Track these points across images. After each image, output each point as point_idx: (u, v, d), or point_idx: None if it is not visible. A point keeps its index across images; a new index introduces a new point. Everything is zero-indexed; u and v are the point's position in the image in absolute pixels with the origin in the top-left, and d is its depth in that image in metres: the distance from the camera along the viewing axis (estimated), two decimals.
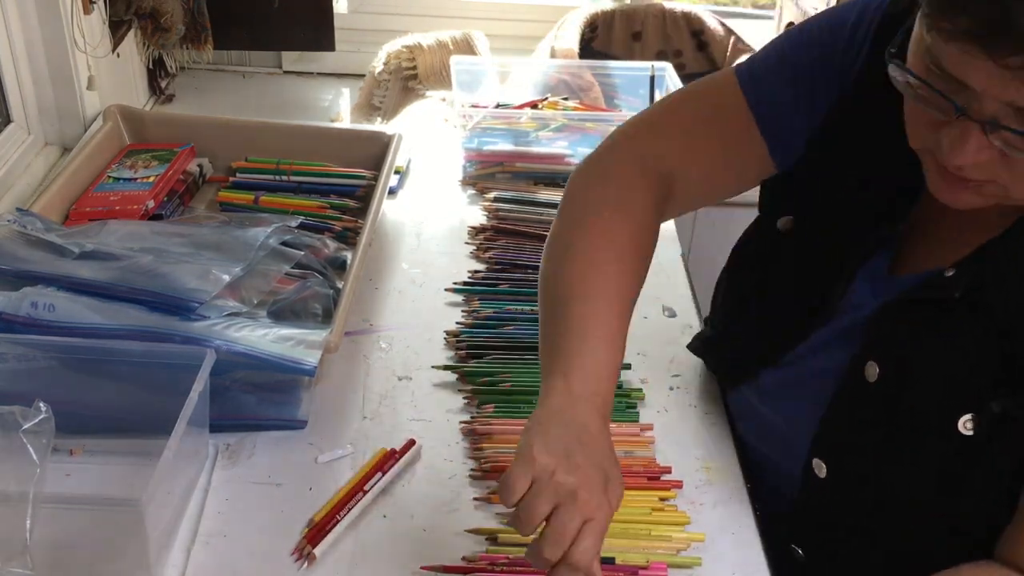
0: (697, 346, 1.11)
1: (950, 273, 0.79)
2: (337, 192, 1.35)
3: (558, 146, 1.51)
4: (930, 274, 0.82)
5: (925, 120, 0.73)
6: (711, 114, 0.95)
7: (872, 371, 0.84)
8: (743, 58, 0.96)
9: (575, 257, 0.89)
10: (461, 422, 1.03)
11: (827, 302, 0.88)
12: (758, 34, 2.06)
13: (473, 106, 1.51)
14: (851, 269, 0.87)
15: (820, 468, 0.88)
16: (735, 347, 1.01)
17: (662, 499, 0.95)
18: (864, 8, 0.87)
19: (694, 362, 1.14)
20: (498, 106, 1.53)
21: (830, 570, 0.91)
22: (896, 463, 0.83)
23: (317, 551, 0.86)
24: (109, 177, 1.32)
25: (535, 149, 1.50)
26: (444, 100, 1.75)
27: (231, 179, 1.38)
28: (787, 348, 0.92)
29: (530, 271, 1.26)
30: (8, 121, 1.43)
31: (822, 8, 1.79)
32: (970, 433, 0.78)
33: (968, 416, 0.78)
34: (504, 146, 1.50)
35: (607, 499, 0.74)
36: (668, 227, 1.40)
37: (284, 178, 1.37)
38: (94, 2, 1.47)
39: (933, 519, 0.83)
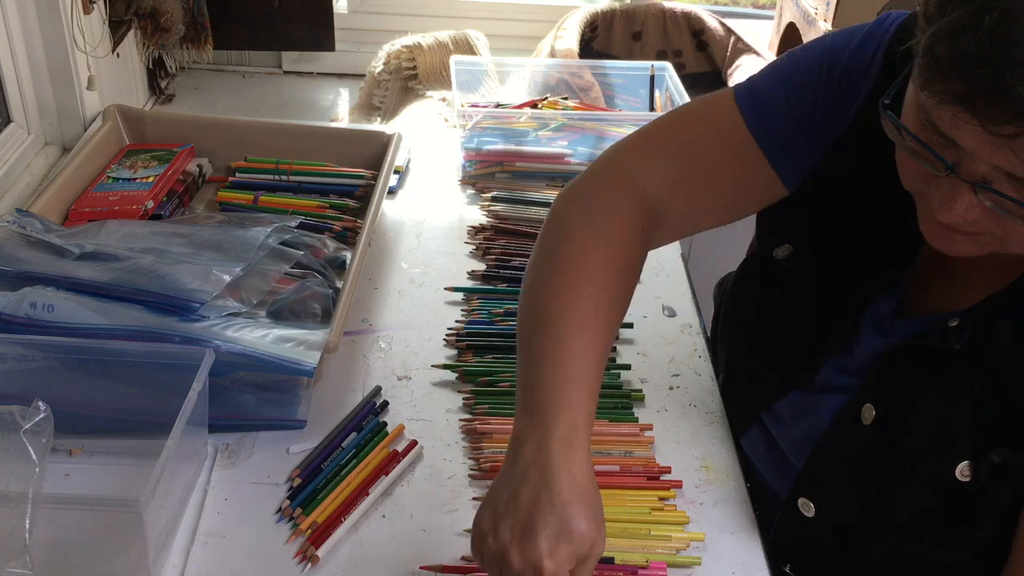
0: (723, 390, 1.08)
1: (954, 323, 0.78)
2: (337, 192, 1.35)
3: (558, 146, 1.51)
4: (933, 320, 0.80)
5: (917, 171, 0.71)
6: (708, 139, 0.90)
7: (868, 414, 0.82)
8: (740, 80, 0.93)
9: (546, 284, 0.85)
10: (461, 420, 1.03)
11: (832, 340, 0.87)
12: (758, 34, 2.06)
13: (473, 106, 1.51)
14: (857, 309, 0.85)
15: (807, 507, 0.87)
16: (750, 382, 0.99)
17: (662, 499, 0.95)
18: (867, 37, 0.83)
19: (694, 362, 1.14)
20: (498, 106, 1.53)
21: None
22: (888, 509, 0.82)
23: (319, 552, 0.86)
24: (108, 177, 1.32)
25: (535, 149, 1.50)
26: (444, 100, 1.74)
27: (230, 179, 1.38)
28: (797, 382, 0.90)
29: None
30: (8, 121, 1.43)
31: (821, 9, 1.79)
32: (967, 480, 0.77)
33: (965, 463, 0.77)
34: (504, 146, 1.50)
35: (537, 551, 0.70)
36: None
37: (284, 178, 1.37)
38: (94, 2, 1.47)
39: (923, 568, 0.83)
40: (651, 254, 1.28)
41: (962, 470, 0.77)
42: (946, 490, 0.78)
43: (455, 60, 1.64)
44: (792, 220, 0.91)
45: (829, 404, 0.87)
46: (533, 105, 1.56)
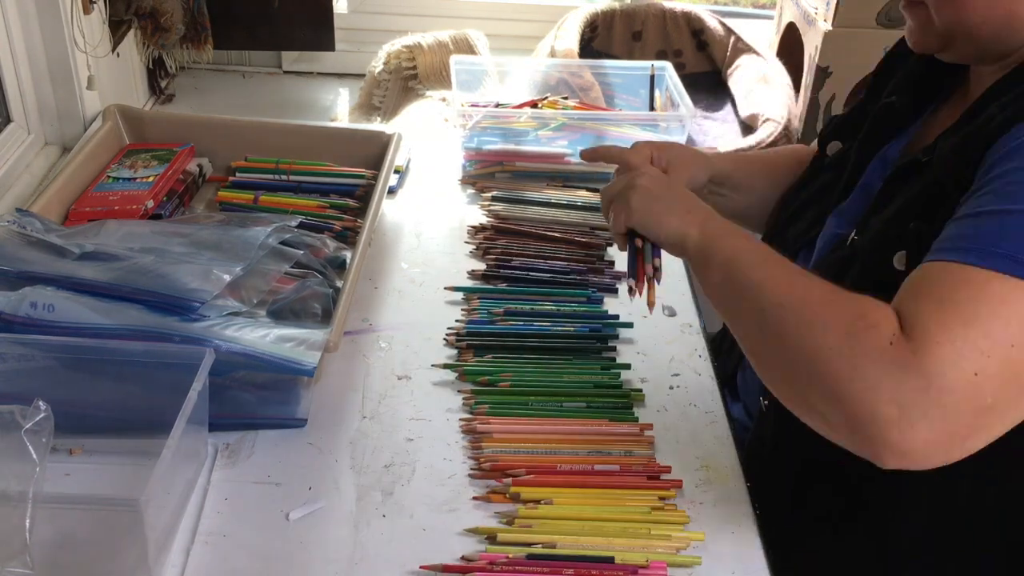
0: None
1: (928, 144, 0.91)
2: (337, 192, 1.35)
3: (558, 145, 1.51)
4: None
5: None
6: None
7: (850, 238, 0.96)
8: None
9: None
10: (461, 419, 1.03)
11: (842, 185, 1.03)
12: (758, 34, 2.06)
13: (473, 106, 1.51)
14: (868, 154, 1.01)
15: (763, 402, 0.99)
16: None
17: (662, 498, 0.95)
18: None
19: (694, 362, 1.14)
20: (498, 106, 1.53)
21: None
22: None
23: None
24: (109, 177, 1.32)
25: (535, 149, 1.50)
26: (444, 100, 1.75)
27: (230, 179, 1.38)
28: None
29: (529, 271, 1.27)
30: (8, 121, 1.43)
31: (821, 9, 1.78)
32: (903, 268, 0.84)
33: (903, 252, 0.85)
34: (504, 145, 1.50)
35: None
36: None
37: (283, 177, 1.37)
38: (94, 2, 1.47)
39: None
40: None
41: (899, 259, 0.85)
42: (887, 286, 0.82)
43: (455, 60, 1.64)
44: (846, 124, 1.10)
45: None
46: (533, 105, 1.56)
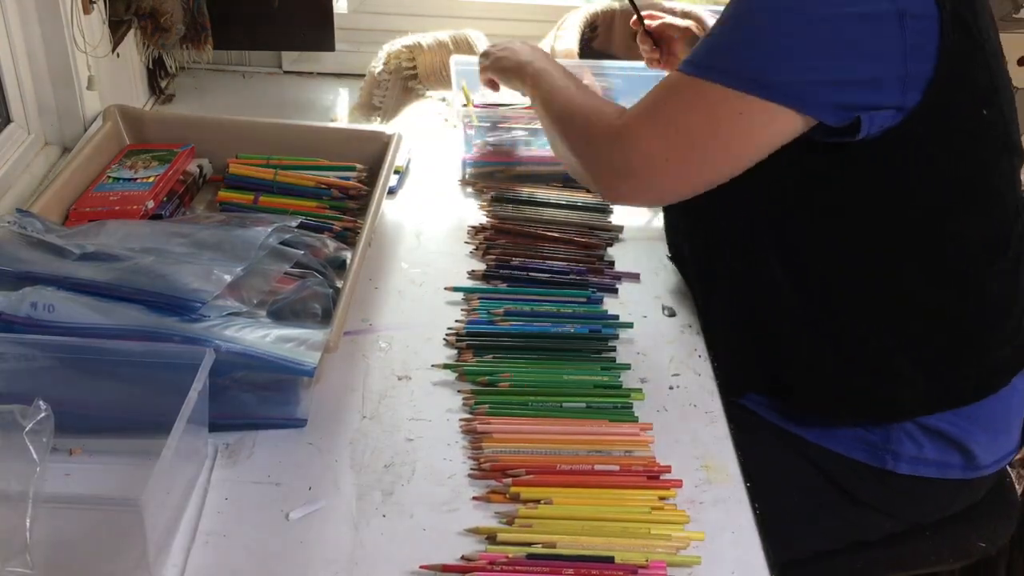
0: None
1: None
2: (334, 187, 1.35)
3: None
4: None
5: None
6: None
7: None
8: None
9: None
10: (461, 419, 1.03)
11: None
12: None
13: (473, 106, 1.51)
14: None
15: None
16: None
17: (661, 498, 0.95)
18: None
19: (694, 362, 1.14)
20: (497, 106, 1.53)
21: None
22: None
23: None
24: (109, 177, 1.32)
25: (535, 149, 1.50)
26: (444, 100, 1.75)
27: (224, 177, 1.37)
28: None
29: (529, 271, 1.27)
30: (8, 121, 1.43)
31: None
32: None
33: None
34: (503, 146, 1.50)
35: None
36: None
37: (275, 175, 1.36)
38: (94, 2, 1.47)
39: None
40: (650, 253, 1.28)
41: None
42: None
43: (455, 60, 1.64)
44: None
45: None
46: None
